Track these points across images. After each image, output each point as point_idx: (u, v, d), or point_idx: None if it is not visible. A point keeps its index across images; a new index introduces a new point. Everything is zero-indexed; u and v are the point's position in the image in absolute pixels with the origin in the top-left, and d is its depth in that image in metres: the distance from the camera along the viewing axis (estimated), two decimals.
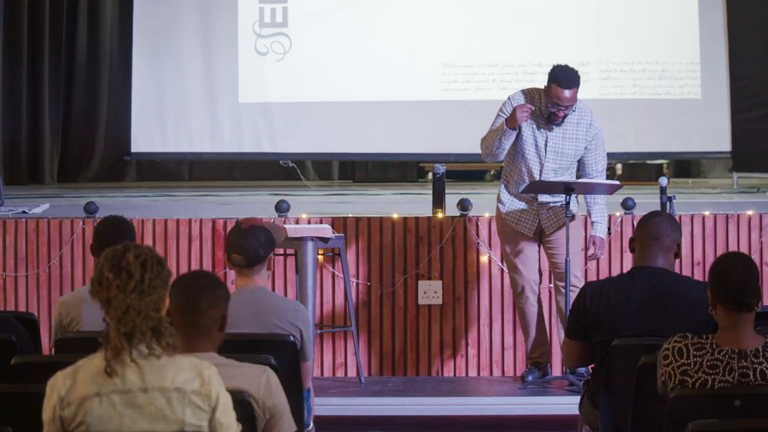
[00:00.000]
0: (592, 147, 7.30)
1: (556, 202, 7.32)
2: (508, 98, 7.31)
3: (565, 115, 7.17)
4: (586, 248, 7.46)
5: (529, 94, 7.30)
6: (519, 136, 7.25)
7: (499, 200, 7.42)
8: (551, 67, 7.18)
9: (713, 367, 4.04)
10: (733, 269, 4.06)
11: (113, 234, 5.19)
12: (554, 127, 7.23)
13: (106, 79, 12.23)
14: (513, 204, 7.35)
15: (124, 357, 3.39)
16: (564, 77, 7.10)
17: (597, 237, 7.36)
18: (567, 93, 7.08)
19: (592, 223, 7.38)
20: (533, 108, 7.14)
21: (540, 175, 7.24)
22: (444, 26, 11.15)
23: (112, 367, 3.38)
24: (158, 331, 3.41)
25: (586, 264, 7.77)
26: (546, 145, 7.24)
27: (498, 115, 7.30)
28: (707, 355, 4.05)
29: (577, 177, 7.41)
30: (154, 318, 3.41)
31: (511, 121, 7.10)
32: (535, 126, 7.24)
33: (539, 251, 7.41)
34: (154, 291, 3.42)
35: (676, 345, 4.10)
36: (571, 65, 7.18)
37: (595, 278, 7.69)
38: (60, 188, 11.52)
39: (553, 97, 7.11)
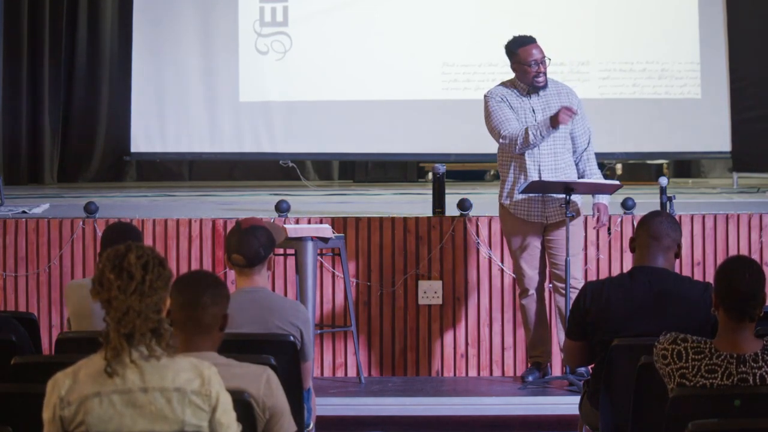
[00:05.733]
0: (577, 117, 7.30)
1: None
2: (490, 94, 7.32)
3: (545, 73, 7.24)
4: (586, 247, 7.45)
5: (504, 85, 7.38)
6: None
7: (501, 198, 7.39)
8: (506, 45, 7.30)
9: (711, 372, 4.02)
10: (741, 277, 4.03)
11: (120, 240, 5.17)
12: (538, 95, 7.26)
13: (106, 79, 12.22)
14: (519, 196, 7.31)
15: (123, 358, 3.40)
16: (522, 38, 7.29)
17: (601, 203, 7.28)
18: (535, 49, 7.24)
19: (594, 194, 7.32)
20: (575, 113, 7.12)
21: (538, 148, 7.22)
22: (444, 26, 11.15)
23: (113, 367, 3.39)
24: (158, 332, 3.42)
25: (585, 264, 7.77)
26: (535, 119, 7.23)
27: (496, 102, 7.28)
28: (705, 359, 4.04)
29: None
30: (154, 319, 3.42)
31: (555, 122, 7.10)
32: (518, 107, 7.24)
33: (543, 250, 7.39)
34: (154, 292, 3.43)
35: (675, 348, 4.08)
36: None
37: (595, 278, 7.68)
38: (60, 188, 11.51)
39: (528, 57, 7.23)
